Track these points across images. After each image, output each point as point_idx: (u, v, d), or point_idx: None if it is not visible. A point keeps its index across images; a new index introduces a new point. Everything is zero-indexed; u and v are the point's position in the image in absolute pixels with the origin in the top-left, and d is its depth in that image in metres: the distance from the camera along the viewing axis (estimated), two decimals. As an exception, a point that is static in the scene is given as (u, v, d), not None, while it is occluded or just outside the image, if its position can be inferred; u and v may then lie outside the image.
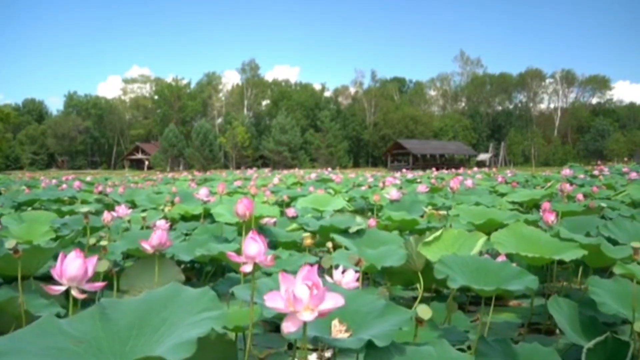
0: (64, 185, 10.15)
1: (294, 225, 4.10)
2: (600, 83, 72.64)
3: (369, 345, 1.37)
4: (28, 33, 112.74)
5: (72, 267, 1.40)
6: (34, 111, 75.64)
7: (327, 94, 76.28)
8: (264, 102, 75.52)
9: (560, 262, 3.98)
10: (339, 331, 1.58)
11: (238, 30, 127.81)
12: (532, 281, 1.98)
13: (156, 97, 74.60)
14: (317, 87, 76.45)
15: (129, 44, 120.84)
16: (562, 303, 2.48)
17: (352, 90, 77.03)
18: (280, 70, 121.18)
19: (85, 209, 2.50)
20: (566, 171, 9.86)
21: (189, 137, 62.16)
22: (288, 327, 1.23)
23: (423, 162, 53.51)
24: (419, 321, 1.52)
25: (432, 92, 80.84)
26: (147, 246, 2.09)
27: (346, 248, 3.28)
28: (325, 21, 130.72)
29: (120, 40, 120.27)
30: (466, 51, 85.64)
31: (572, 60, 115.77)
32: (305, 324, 1.28)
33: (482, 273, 2.16)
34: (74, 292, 1.42)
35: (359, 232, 3.76)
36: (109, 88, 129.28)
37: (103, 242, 2.67)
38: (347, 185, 8.87)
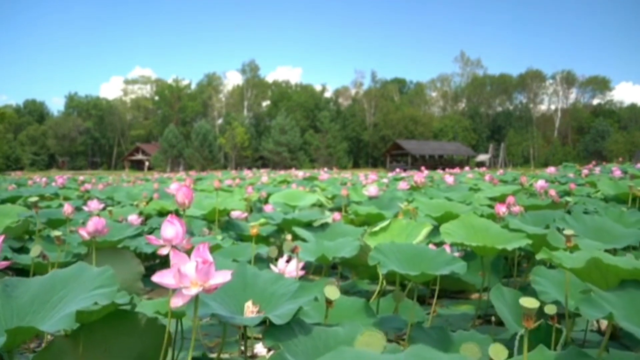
0: (54, 183, 10.19)
1: (262, 220, 4.13)
2: (601, 84, 72.57)
3: (272, 323, 1.40)
4: (31, 34, 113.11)
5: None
6: (35, 112, 75.83)
7: (327, 94, 76.40)
8: (264, 103, 75.64)
9: (527, 256, 4.01)
10: (251, 312, 1.61)
11: (241, 32, 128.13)
12: (461, 267, 2.00)
13: (156, 97, 74.79)
14: (318, 88, 76.60)
15: (131, 45, 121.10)
16: (506, 292, 2.50)
17: (353, 91, 77.15)
18: (283, 72, 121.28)
19: (34, 198, 2.52)
20: (551, 169, 9.89)
21: (189, 137, 62.29)
22: (176, 302, 1.26)
23: (422, 162, 53.50)
24: (328, 302, 1.54)
25: (433, 93, 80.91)
26: (83, 233, 2.12)
27: (304, 240, 3.31)
28: (327, 22, 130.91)
29: (123, 42, 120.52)
30: (466, 52, 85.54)
31: (572, 61, 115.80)
32: (197, 299, 1.31)
33: (417, 260, 2.19)
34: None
35: (323, 226, 3.79)
36: (112, 89, 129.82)
37: (56, 233, 2.70)
38: (333, 184, 8.92)
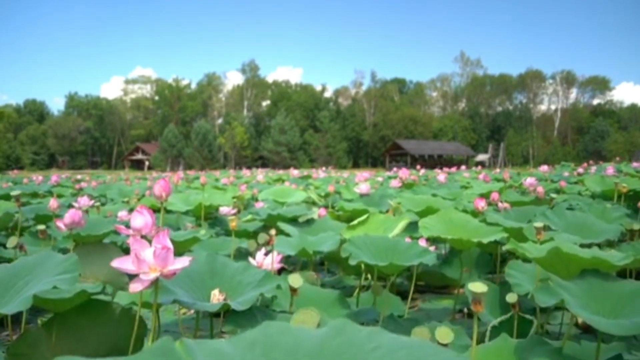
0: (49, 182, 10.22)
1: (249, 216, 4.16)
2: (600, 84, 72.56)
3: (233, 310, 1.43)
4: (32, 34, 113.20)
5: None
6: (35, 111, 75.91)
7: (327, 94, 76.44)
8: (264, 103, 75.69)
9: (513, 252, 4.05)
10: (217, 299, 1.64)
11: (242, 32, 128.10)
12: (431, 259, 2.04)
13: (156, 97, 74.87)
14: (318, 88, 76.65)
15: (132, 45, 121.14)
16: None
17: (352, 91, 77.19)
18: (284, 72, 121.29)
19: (16, 192, 2.56)
20: (543, 168, 9.93)
21: (189, 137, 62.35)
22: (135, 287, 1.30)
23: (422, 162, 53.51)
24: (292, 290, 1.58)
25: (433, 93, 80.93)
26: (60, 224, 2.16)
27: (288, 235, 3.34)
28: (327, 23, 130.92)
29: (124, 42, 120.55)
30: (466, 52, 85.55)
31: (572, 61, 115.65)
32: (157, 284, 1.34)
33: (390, 252, 2.22)
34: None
35: (309, 222, 3.82)
36: (113, 89, 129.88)
37: (40, 227, 2.74)
38: (327, 182, 8.96)
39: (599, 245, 3.87)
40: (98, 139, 73.57)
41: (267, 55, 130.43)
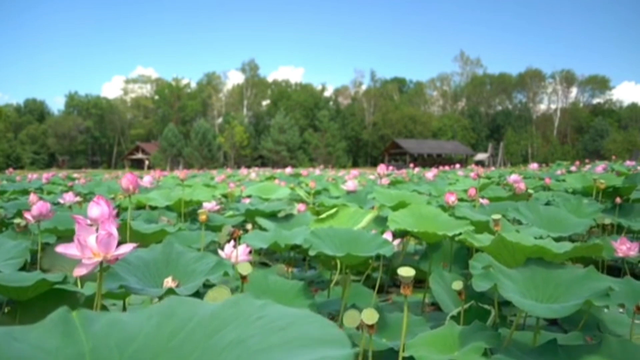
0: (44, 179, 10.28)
1: (231, 212, 4.21)
2: (600, 83, 72.54)
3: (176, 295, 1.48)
4: (33, 34, 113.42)
5: None
6: (35, 111, 76.01)
7: (327, 94, 76.48)
8: (264, 102, 75.76)
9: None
10: (169, 286, 1.69)
11: (244, 32, 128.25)
12: (388, 250, 2.08)
13: (156, 97, 74.96)
14: (318, 87, 76.69)
15: (133, 45, 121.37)
16: (447, 277, 2.59)
17: (352, 90, 77.23)
18: (285, 71, 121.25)
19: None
20: (533, 165, 10.00)
21: (189, 137, 62.43)
22: (79, 271, 1.35)
23: (421, 161, 53.52)
24: (242, 277, 1.62)
25: (433, 93, 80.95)
26: (28, 216, 2.21)
27: (263, 229, 3.40)
28: (328, 23, 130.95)
29: (125, 41, 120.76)
30: (466, 51, 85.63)
31: (572, 61, 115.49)
32: (101, 269, 1.40)
33: (352, 244, 2.27)
34: None
35: (287, 217, 3.87)
36: (114, 88, 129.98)
37: (17, 221, 2.79)
38: (318, 180, 9.02)
39: (571, 239, 3.93)
40: (98, 138, 73.69)
41: (269, 55, 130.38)
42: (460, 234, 2.68)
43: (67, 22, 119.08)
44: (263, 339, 0.68)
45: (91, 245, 1.33)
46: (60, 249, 1.35)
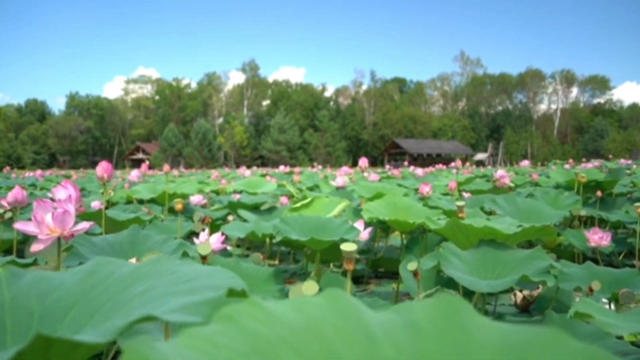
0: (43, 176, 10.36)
1: (217, 206, 4.27)
2: (600, 83, 72.53)
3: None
4: (34, 34, 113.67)
5: None
6: (36, 111, 76.21)
7: (328, 94, 76.57)
8: (265, 102, 75.86)
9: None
10: (133, 267, 1.75)
11: (245, 32, 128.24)
12: (354, 235, 2.14)
13: (157, 97, 75.12)
14: (318, 87, 76.77)
15: (135, 45, 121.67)
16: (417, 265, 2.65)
17: (352, 90, 77.31)
18: (286, 72, 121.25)
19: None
20: (525, 162, 10.07)
21: (189, 137, 62.54)
22: (36, 247, 1.41)
23: (421, 161, 53.57)
24: (203, 258, 1.68)
25: (433, 93, 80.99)
26: (4, 202, 2.27)
27: (244, 220, 3.45)
28: (329, 23, 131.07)
29: (126, 42, 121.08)
30: (466, 51, 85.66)
31: (572, 61, 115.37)
32: (58, 245, 1.46)
33: (320, 230, 2.32)
34: None
35: (270, 209, 3.93)
36: (115, 89, 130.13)
37: (4, 213, 2.84)
38: (310, 177, 9.11)
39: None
40: (99, 138, 73.86)
41: (270, 56, 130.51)
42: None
43: (68, 22, 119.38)
44: (167, 289, 0.74)
45: (48, 222, 1.39)
46: (19, 225, 1.41)
